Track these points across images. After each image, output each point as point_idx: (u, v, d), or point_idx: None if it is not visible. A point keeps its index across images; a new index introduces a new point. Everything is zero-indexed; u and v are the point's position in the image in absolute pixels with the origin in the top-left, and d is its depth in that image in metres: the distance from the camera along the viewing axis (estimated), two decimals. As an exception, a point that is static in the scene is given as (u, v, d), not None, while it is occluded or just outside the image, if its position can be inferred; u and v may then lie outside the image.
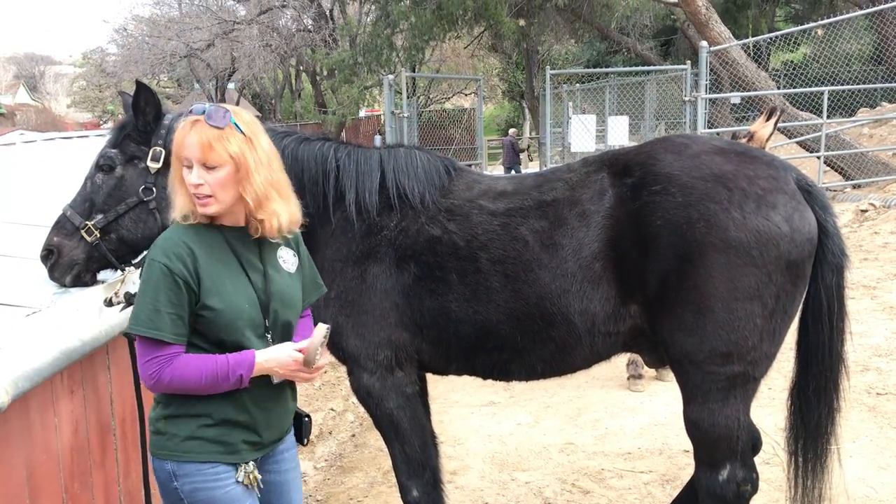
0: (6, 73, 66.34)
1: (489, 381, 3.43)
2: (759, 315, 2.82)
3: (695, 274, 2.80)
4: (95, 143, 8.49)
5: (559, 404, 5.80)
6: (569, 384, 5.94)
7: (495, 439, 5.25)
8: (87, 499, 3.16)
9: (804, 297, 2.96)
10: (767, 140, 4.72)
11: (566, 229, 2.98)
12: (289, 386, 2.52)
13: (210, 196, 2.26)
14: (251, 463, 2.41)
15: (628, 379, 6.05)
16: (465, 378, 3.47)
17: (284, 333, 2.46)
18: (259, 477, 2.42)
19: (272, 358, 2.31)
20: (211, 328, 2.29)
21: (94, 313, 3.22)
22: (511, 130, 25.72)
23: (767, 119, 4.94)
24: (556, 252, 2.97)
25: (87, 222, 3.10)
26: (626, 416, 5.52)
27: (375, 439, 5.25)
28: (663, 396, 5.81)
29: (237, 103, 37.54)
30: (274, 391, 2.43)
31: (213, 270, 2.29)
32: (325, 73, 30.43)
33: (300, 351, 2.34)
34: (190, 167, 2.26)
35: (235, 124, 2.28)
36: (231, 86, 37.10)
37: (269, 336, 2.40)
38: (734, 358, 2.87)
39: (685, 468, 4.61)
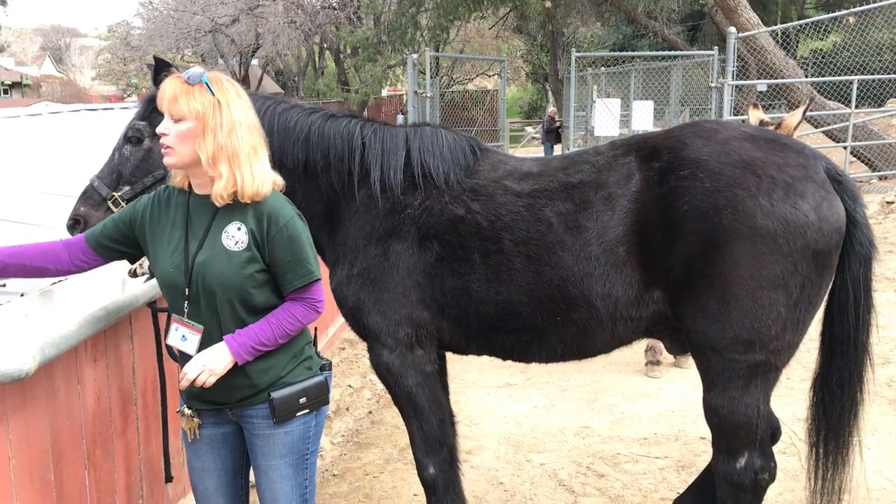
0: (32, 45, 66.77)
1: (506, 363, 3.44)
2: (783, 304, 2.80)
3: (720, 260, 2.79)
4: (120, 116, 8.56)
5: (575, 388, 5.80)
6: (586, 368, 5.94)
7: (511, 420, 5.26)
8: (109, 466, 3.21)
9: (830, 287, 2.94)
10: (795, 128, 4.66)
11: (591, 212, 2.96)
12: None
13: (170, 147, 2.43)
14: (189, 410, 2.65)
15: (646, 365, 6.04)
16: (482, 359, 3.47)
17: (206, 306, 2.50)
18: (192, 426, 2.66)
19: None
20: (156, 277, 2.61)
21: (118, 284, 3.25)
22: (550, 109, 25.57)
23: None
24: (580, 235, 2.96)
25: (113, 193, 3.13)
26: (642, 401, 5.51)
27: (392, 416, 5.28)
28: (681, 383, 5.80)
29: (260, 80, 37.63)
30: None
31: (159, 228, 2.57)
32: (348, 51, 30.36)
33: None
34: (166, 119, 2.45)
35: (207, 85, 2.42)
36: (255, 62, 37.11)
37: (185, 304, 2.51)
38: (756, 346, 2.85)
39: (701, 455, 4.61)
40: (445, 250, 3.06)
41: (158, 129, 2.43)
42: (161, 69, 3.09)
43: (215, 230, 2.50)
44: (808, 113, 11.37)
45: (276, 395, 2.57)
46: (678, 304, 2.94)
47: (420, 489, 4.20)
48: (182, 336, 2.51)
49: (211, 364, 2.45)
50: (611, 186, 2.97)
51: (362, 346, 6.35)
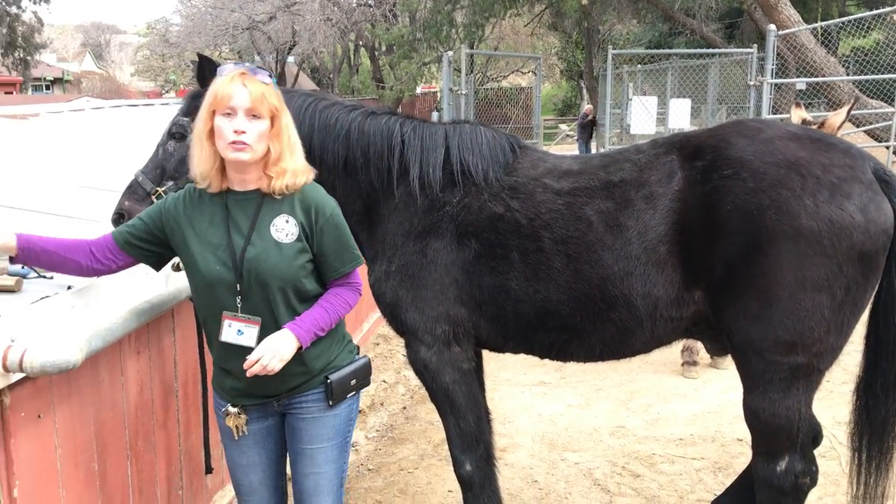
0: (73, 42, 67.90)
1: (540, 361, 3.43)
2: (827, 306, 2.76)
3: (763, 261, 2.75)
4: (160, 112, 8.66)
5: (610, 387, 5.78)
6: (621, 368, 5.90)
7: (545, 419, 5.25)
8: (150, 457, 3.26)
9: (876, 289, 2.89)
10: (839, 128, 4.58)
11: (632, 211, 2.94)
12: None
13: (247, 144, 2.43)
14: (237, 408, 2.67)
15: (682, 365, 5.99)
16: (516, 356, 3.47)
17: (259, 299, 2.54)
18: (239, 423, 2.68)
19: None
20: (190, 277, 2.61)
21: (161, 277, 3.29)
22: (587, 107, 25.46)
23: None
24: (620, 233, 2.94)
25: (158, 188, 3.16)
26: (678, 402, 5.47)
27: (426, 412, 5.30)
28: (717, 384, 5.75)
29: (296, 77, 37.89)
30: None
31: (196, 227, 2.56)
32: (383, 48, 30.44)
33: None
34: (229, 116, 2.42)
35: (274, 82, 2.54)
36: (291, 59, 37.36)
37: (238, 299, 2.52)
38: (799, 349, 2.81)
39: (738, 457, 4.56)
40: (484, 248, 3.06)
41: (236, 128, 2.40)
42: (205, 66, 3.14)
43: (261, 225, 2.54)
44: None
45: (333, 377, 2.67)
46: (719, 304, 2.91)
47: (455, 485, 4.21)
48: (238, 331, 2.53)
49: (281, 350, 2.49)
50: (652, 185, 2.95)
51: (397, 342, 6.40)
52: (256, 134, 2.43)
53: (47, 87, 51.64)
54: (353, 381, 2.72)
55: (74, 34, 70.46)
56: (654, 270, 2.92)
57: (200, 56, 3.15)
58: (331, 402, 2.67)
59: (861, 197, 2.72)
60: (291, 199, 2.56)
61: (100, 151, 6.21)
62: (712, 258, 2.84)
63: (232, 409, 2.67)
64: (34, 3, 40.03)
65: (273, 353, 2.48)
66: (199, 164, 2.51)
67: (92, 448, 2.84)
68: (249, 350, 2.51)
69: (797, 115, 4.78)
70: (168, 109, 9.15)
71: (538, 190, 3.08)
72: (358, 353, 2.84)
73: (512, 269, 3.04)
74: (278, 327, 2.54)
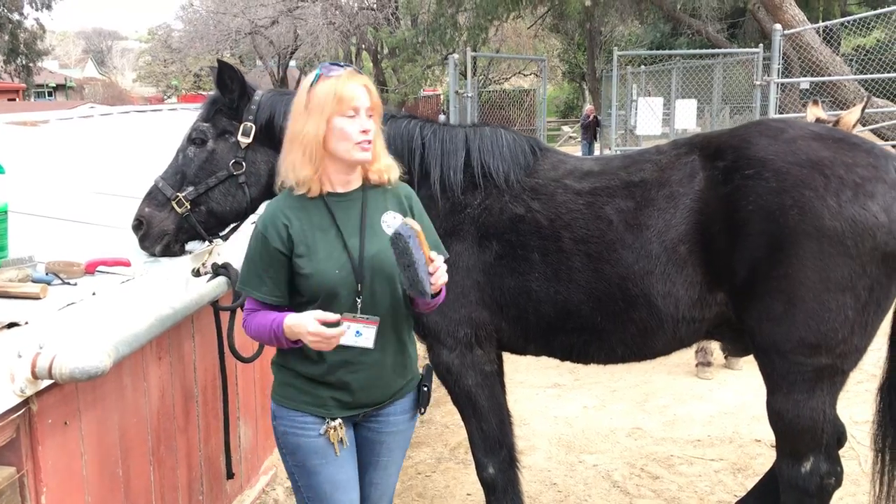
0: (75, 48, 68.04)
1: (553, 363, 3.42)
2: (850, 307, 2.75)
3: (786, 262, 2.74)
4: (169, 117, 8.66)
5: (625, 389, 5.77)
6: (635, 369, 5.90)
7: (561, 421, 5.24)
8: (172, 462, 3.27)
9: None
10: (854, 126, 4.58)
11: (652, 210, 2.94)
12: (396, 353, 2.57)
13: (371, 142, 2.43)
14: (338, 420, 2.51)
15: (697, 366, 5.98)
16: (529, 359, 3.46)
17: (380, 297, 2.48)
18: (342, 436, 2.52)
19: (297, 323, 2.35)
20: (305, 288, 2.45)
21: (181, 283, 3.30)
22: (588, 107, 25.46)
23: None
24: (640, 233, 2.94)
25: (178, 194, 3.16)
26: (694, 403, 5.47)
27: (441, 416, 5.30)
28: (732, 385, 5.74)
29: (298, 81, 37.84)
30: (369, 356, 2.47)
31: (308, 238, 2.44)
32: (385, 51, 30.47)
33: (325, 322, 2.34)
34: (351, 117, 2.39)
35: None
36: (293, 63, 37.40)
37: (359, 300, 2.44)
38: (823, 350, 2.80)
39: (756, 458, 4.56)
40: (505, 249, 3.06)
41: (364, 127, 2.39)
42: (224, 72, 3.14)
43: (372, 222, 2.51)
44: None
45: (426, 384, 2.69)
46: (742, 305, 2.90)
47: (473, 489, 4.22)
48: (356, 332, 2.46)
49: None
50: (673, 185, 2.95)
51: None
52: (375, 132, 2.46)
53: (50, 94, 51.80)
54: (429, 388, 2.73)
55: (76, 41, 70.61)
56: (675, 270, 2.92)
57: (220, 62, 3.15)
58: (423, 411, 2.67)
59: (885, 197, 2.71)
60: (389, 193, 2.57)
61: (112, 157, 6.21)
62: (734, 259, 2.84)
63: (334, 423, 2.51)
64: (36, 10, 40.15)
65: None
66: (302, 169, 2.42)
67: (116, 454, 2.84)
68: (367, 351, 2.46)
69: (813, 113, 4.77)
70: (176, 115, 9.16)
71: (559, 191, 3.08)
72: None
73: (533, 270, 3.04)
74: (395, 323, 2.53)
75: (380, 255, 2.47)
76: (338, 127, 2.39)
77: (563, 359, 3.30)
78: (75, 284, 2.84)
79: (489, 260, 3.08)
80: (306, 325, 2.32)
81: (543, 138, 15.37)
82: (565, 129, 33.87)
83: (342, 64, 2.47)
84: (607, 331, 3.07)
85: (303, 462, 2.54)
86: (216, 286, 3.24)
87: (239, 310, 3.26)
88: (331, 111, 2.38)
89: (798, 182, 2.73)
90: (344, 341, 2.40)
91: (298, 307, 2.44)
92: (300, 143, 2.42)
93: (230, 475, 3.52)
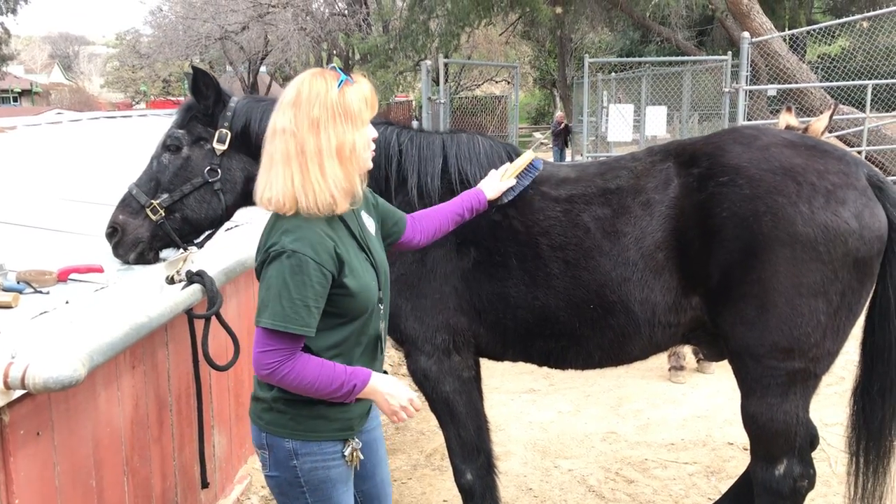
0: (41, 53, 67.13)
1: (528, 368, 3.44)
2: (823, 312, 2.80)
3: (759, 267, 2.78)
4: (139, 123, 8.57)
5: (599, 393, 5.80)
6: (609, 374, 5.93)
7: (536, 426, 5.26)
8: (146, 472, 3.23)
9: (871, 295, 2.93)
10: (823, 133, 4.66)
11: (629, 217, 2.97)
12: None
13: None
14: (356, 438, 2.43)
15: (669, 370, 6.04)
16: (504, 364, 3.47)
17: (388, 298, 2.51)
18: (358, 455, 2.44)
19: (389, 387, 2.30)
20: (349, 307, 2.29)
21: (155, 291, 3.26)
22: (558, 114, 25.61)
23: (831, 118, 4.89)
24: (617, 240, 2.97)
25: (152, 201, 3.12)
26: (667, 406, 5.51)
27: (416, 422, 5.28)
28: (705, 388, 5.80)
29: (269, 87, 37.70)
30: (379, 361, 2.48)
31: (348, 255, 2.29)
32: (357, 57, 30.42)
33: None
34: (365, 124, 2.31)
35: None
36: (263, 69, 37.20)
37: (381, 306, 2.43)
38: (795, 354, 2.85)
39: (730, 461, 4.60)
40: (483, 255, 3.07)
41: (373, 134, 2.36)
42: (199, 78, 3.11)
43: (365, 226, 2.49)
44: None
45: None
46: (717, 310, 2.94)
47: (449, 495, 4.22)
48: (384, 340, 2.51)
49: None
50: (649, 192, 2.98)
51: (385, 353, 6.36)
52: None
53: (15, 99, 51.04)
54: None
55: (42, 45, 69.67)
56: (652, 276, 2.95)
57: (195, 68, 3.12)
58: None
59: (856, 203, 2.76)
60: None
61: (82, 164, 6.14)
62: (709, 264, 2.87)
63: (353, 442, 2.43)
64: (1, 14, 39.55)
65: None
66: (350, 183, 2.26)
67: (90, 465, 2.80)
68: (381, 361, 2.49)
69: (784, 120, 4.85)
70: (147, 121, 9.07)
71: (536, 197, 3.09)
72: None
73: (511, 276, 3.05)
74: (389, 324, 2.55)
75: (383, 259, 2.49)
76: (368, 135, 2.32)
77: (540, 364, 3.31)
78: (48, 293, 2.80)
79: (467, 266, 3.09)
80: (404, 393, 2.32)
81: (515, 144, 15.42)
82: (537, 135, 34.04)
83: (338, 67, 2.37)
84: (585, 336, 3.09)
85: (329, 495, 2.39)
86: (191, 294, 3.21)
87: (214, 319, 3.24)
88: (365, 119, 2.30)
89: (771, 189, 2.77)
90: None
91: (332, 330, 2.29)
92: (347, 157, 2.24)
93: (205, 484, 3.48)
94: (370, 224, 2.53)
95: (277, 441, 2.35)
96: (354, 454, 2.42)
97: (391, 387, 2.32)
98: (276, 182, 2.23)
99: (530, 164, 3.09)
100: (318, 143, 2.20)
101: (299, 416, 2.33)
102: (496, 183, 2.99)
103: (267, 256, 2.20)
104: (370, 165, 2.37)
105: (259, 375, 2.25)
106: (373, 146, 2.37)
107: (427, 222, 2.83)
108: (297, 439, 2.33)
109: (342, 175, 2.23)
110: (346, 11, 27.79)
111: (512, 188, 3.03)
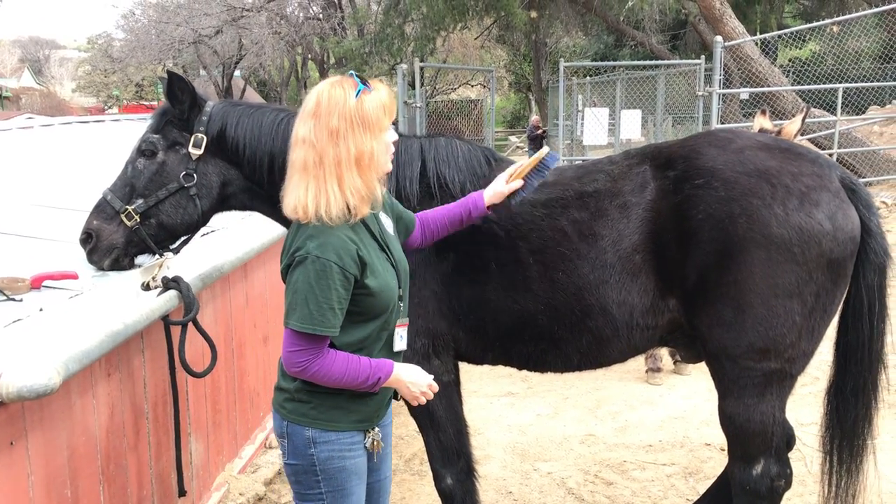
0: (11, 57, 66.21)
1: (507, 372, 3.43)
2: (798, 312, 2.83)
3: (735, 269, 2.81)
4: (112, 128, 8.49)
5: (578, 396, 5.82)
6: (587, 376, 5.95)
7: (515, 429, 5.27)
8: (122, 480, 3.19)
9: (845, 295, 2.97)
10: (795, 135, 4.71)
11: (606, 220, 2.98)
12: None
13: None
14: (376, 428, 2.52)
15: (647, 372, 6.07)
16: (483, 368, 3.47)
17: (407, 295, 2.56)
18: (379, 442, 2.52)
19: (411, 375, 2.45)
20: (371, 306, 2.37)
21: (131, 297, 3.23)
22: (533, 118, 25.70)
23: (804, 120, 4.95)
24: (595, 243, 2.98)
25: (127, 206, 3.09)
26: (645, 408, 5.54)
27: (395, 427, 5.25)
28: (681, 390, 5.84)
29: (243, 91, 37.50)
30: (399, 354, 2.55)
31: (370, 256, 2.35)
32: (332, 61, 30.35)
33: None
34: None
35: None
36: (237, 73, 36.99)
37: (401, 304, 2.49)
38: (771, 354, 2.87)
39: (707, 461, 4.64)
40: (462, 260, 3.07)
41: (392, 139, 2.39)
42: (174, 83, 3.09)
43: (385, 228, 2.53)
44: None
45: None
46: (693, 311, 2.96)
47: (429, 500, 4.21)
48: (400, 336, 2.53)
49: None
50: (626, 195, 3.00)
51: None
52: None
53: (-16, 104, 50.29)
54: None
55: (12, 49, 68.69)
56: (629, 279, 2.97)
57: (170, 73, 3.09)
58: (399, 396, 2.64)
59: (829, 205, 2.79)
60: None
61: (53, 169, 6.07)
62: (686, 266, 2.89)
63: (373, 432, 2.51)
64: (-30, 17, 38.96)
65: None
66: (369, 190, 2.31)
67: (65, 474, 2.76)
68: (400, 354, 2.55)
69: (759, 123, 4.90)
70: (119, 126, 8.99)
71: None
72: None
73: (490, 280, 3.05)
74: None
75: (403, 258, 2.53)
76: (387, 141, 2.35)
77: (520, 368, 3.32)
78: (21, 300, 2.77)
79: (446, 270, 3.09)
80: (424, 378, 2.49)
81: (492, 148, 15.47)
82: (512, 139, 34.18)
83: (356, 74, 2.37)
84: (564, 339, 3.10)
85: (343, 485, 2.45)
86: (167, 300, 3.18)
87: (190, 325, 3.22)
88: (384, 126, 2.33)
89: (746, 191, 2.80)
90: (398, 347, 2.53)
91: (354, 327, 2.36)
92: (366, 165, 2.28)
93: (182, 493, 3.45)
94: (388, 224, 2.58)
95: (297, 429, 2.42)
96: (376, 443, 2.50)
97: (413, 374, 2.46)
98: (293, 190, 2.30)
99: (542, 161, 2.98)
100: (338, 153, 2.25)
101: (321, 406, 2.40)
102: (500, 186, 2.92)
103: (292, 261, 2.28)
104: (389, 168, 2.40)
105: (290, 372, 2.34)
106: (392, 149, 2.40)
107: (431, 224, 2.88)
108: (317, 428, 2.40)
109: (361, 183, 2.28)
110: (320, 15, 27.71)
111: (522, 189, 2.95)
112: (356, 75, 2.35)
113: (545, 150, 3.02)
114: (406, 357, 3.13)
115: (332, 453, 2.41)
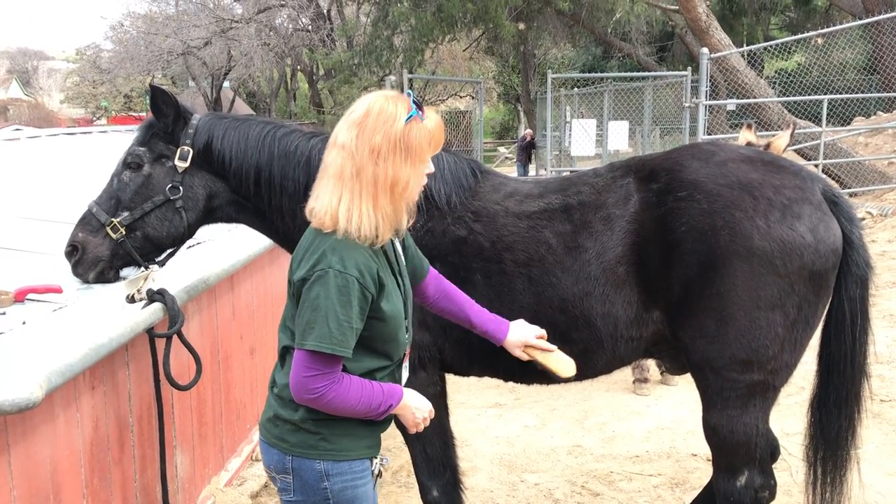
0: (-1, 68, 65.98)
1: (494, 383, 3.43)
2: (780, 324, 2.85)
3: (718, 281, 2.83)
4: (99, 140, 8.46)
5: (565, 407, 5.82)
6: (574, 387, 5.96)
7: (502, 441, 5.27)
8: (106, 495, 3.17)
9: (827, 307, 2.99)
10: (784, 150, 4.75)
11: (590, 233, 3.00)
12: None
13: None
14: (379, 453, 2.44)
15: (634, 382, 6.08)
16: (470, 379, 3.47)
17: (411, 322, 2.50)
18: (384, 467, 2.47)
19: (417, 401, 2.38)
20: (381, 331, 2.26)
21: (116, 310, 3.22)
22: (527, 131, 25.77)
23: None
24: (579, 255, 2.99)
25: (112, 219, 3.09)
26: (632, 419, 5.55)
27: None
28: (668, 400, 5.85)
29: (232, 102, 37.49)
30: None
31: (384, 279, 2.25)
32: (321, 72, 30.41)
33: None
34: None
35: None
36: (226, 84, 36.98)
37: (407, 335, 2.42)
38: (754, 366, 2.89)
39: (693, 472, 4.65)
40: (448, 271, 3.07)
41: (429, 171, 2.30)
42: (158, 97, 3.09)
43: (399, 256, 2.46)
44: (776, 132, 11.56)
45: None
46: (677, 323, 2.97)
47: (416, 512, 4.19)
48: (405, 366, 2.49)
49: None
50: (609, 207, 3.01)
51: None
52: None
53: (-29, 115, 50.03)
54: None
55: (0, 60, 68.46)
56: (613, 291, 2.98)
57: (153, 87, 3.09)
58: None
59: (811, 217, 2.82)
60: None
61: (39, 181, 6.05)
62: (669, 278, 2.91)
63: (377, 458, 2.42)
64: (-43, 28, 38.83)
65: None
66: (393, 215, 2.21)
67: (48, 488, 2.74)
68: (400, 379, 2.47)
69: (745, 137, 4.93)
70: (107, 137, 8.96)
71: (500, 213, 3.11)
72: None
73: (476, 292, 3.05)
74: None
75: (409, 287, 2.48)
76: (423, 173, 2.27)
77: (506, 379, 3.33)
78: (4, 313, 2.75)
79: (431, 282, 3.09)
80: (426, 404, 2.40)
81: (480, 159, 15.53)
82: (501, 150, 34.31)
83: (413, 98, 2.27)
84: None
85: None
86: (152, 313, 3.18)
87: (175, 338, 3.21)
88: (425, 158, 2.25)
89: (728, 203, 2.82)
90: (406, 374, 2.50)
91: (362, 353, 2.24)
92: (399, 193, 2.19)
93: (167, 507, 3.43)
94: (399, 250, 2.48)
95: (306, 463, 2.27)
96: (378, 468, 2.42)
97: (418, 400, 2.38)
98: (323, 195, 2.19)
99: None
100: (376, 172, 2.15)
101: (332, 436, 2.26)
102: (527, 332, 2.71)
103: (311, 275, 2.14)
104: (416, 199, 2.29)
105: (300, 400, 2.18)
106: (426, 181, 2.32)
107: (445, 292, 2.73)
108: (328, 460, 2.26)
109: (392, 210, 2.19)
110: (309, 27, 27.78)
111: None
112: (413, 99, 2.25)
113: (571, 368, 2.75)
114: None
115: (346, 484, 2.28)
